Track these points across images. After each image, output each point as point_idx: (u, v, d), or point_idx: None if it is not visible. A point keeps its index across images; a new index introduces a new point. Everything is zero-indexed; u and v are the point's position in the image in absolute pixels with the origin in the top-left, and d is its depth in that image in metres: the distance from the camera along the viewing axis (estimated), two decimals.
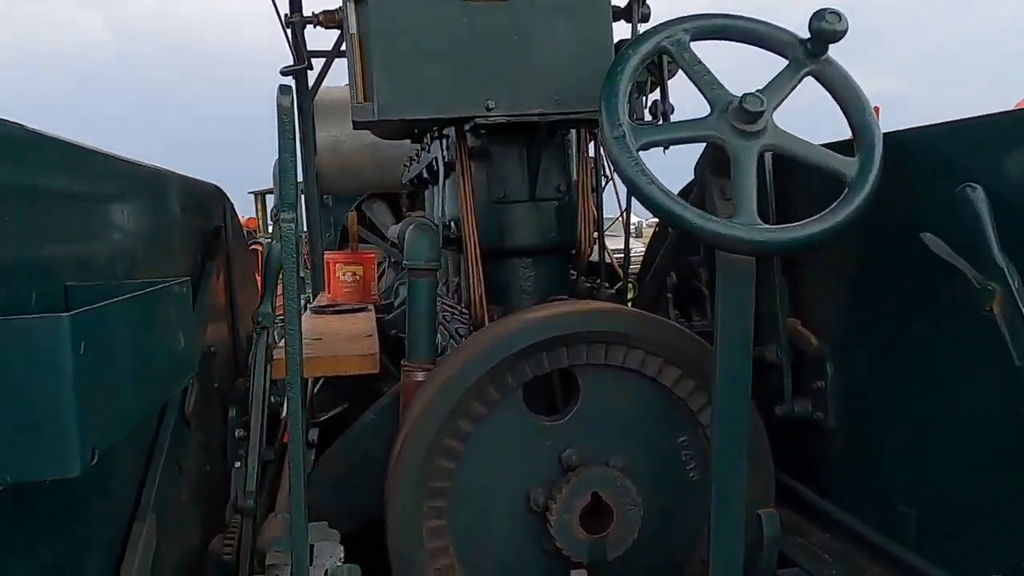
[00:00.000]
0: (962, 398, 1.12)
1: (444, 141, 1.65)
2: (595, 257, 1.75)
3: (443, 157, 1.67)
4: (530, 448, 1.34)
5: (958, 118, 1.11)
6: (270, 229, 18.57)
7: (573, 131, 1.61)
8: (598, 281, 1.73)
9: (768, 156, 1.32)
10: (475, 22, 1.37)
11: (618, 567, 1.32)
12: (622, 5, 1.59)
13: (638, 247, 2.90)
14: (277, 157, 1.00)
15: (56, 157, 0.90)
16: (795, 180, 1.39)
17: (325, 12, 1.72)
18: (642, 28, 1.58)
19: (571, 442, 1.34)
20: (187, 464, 1.32)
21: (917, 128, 1.24)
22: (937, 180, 1.12)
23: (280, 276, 1.38)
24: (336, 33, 3.14)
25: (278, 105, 0.95)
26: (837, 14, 1.18)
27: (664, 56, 1.27)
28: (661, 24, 1.24)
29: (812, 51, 1.21)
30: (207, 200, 1.85)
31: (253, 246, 14.53)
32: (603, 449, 1.35)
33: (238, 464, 1.38)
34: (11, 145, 0.77)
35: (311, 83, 3.57)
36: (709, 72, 1.20)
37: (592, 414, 1.37)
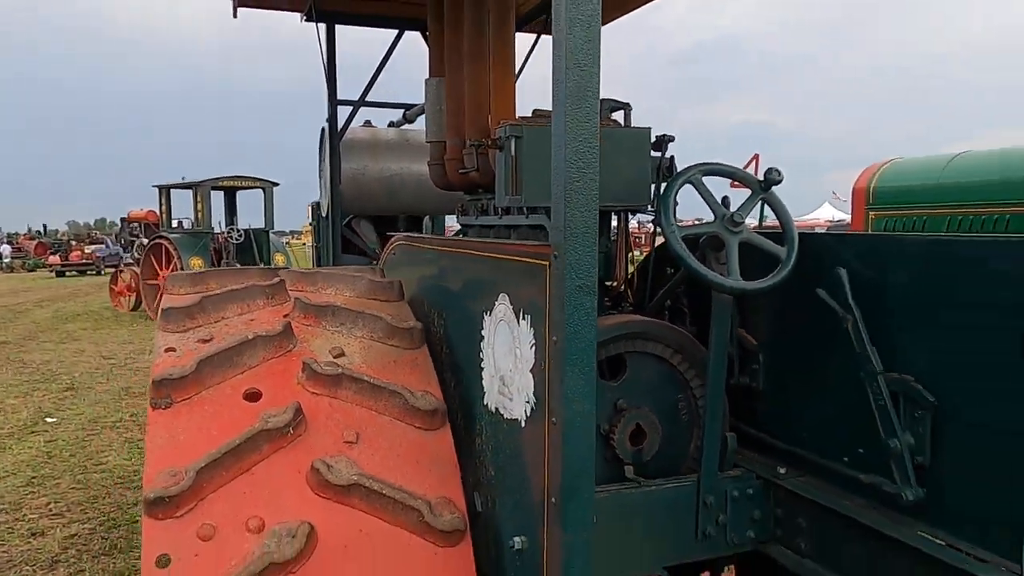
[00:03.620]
0: (829, 370, 2.21)
1: None
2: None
3: None
4: (601, 396, 2.33)
5: (836, 232, 2.21)
6: (174, 223, 18.34)
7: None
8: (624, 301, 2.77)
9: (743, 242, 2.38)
10: None
11: (650, 465, 2.34)
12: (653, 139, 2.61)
13: None
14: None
15: None
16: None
17: None
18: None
19: (621, 395, 2.35)
20: None
21: (813, 234, 2.34)
22: (823, 261, 2.21)
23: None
24: (361, 86, 4.21)
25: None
26: (778, 171, 2.25)
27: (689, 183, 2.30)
28: (686, 168, 2.27)
29: (765, 188, 2.27)
30: None
31: (157, 240, 14.52)
32: (639, 400, 2.36)
33: None
34: None
35: (340, 125, 4.44)
36: (712, 195, 2.24)
37: (633, 380, 2.37)
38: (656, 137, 2.48)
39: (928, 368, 1.88)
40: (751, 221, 2.28)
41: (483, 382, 1.65)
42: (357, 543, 1.45)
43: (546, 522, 1.36)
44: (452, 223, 4.43)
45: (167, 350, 1.66)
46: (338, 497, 1.47)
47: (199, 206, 16.95)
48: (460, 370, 1.80)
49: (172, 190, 17.81)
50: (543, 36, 4.53)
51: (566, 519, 1.29)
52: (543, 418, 1.35)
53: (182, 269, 15.87)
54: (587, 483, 1.29)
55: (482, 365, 1.66)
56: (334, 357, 1.71)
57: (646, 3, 3.96)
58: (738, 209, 2.20)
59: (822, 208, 36.08)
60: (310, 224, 7.33)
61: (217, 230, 17.27)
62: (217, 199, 17.66)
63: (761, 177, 2.28)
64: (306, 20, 4.26)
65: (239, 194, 18.36)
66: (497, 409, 1.58)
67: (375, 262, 4.03)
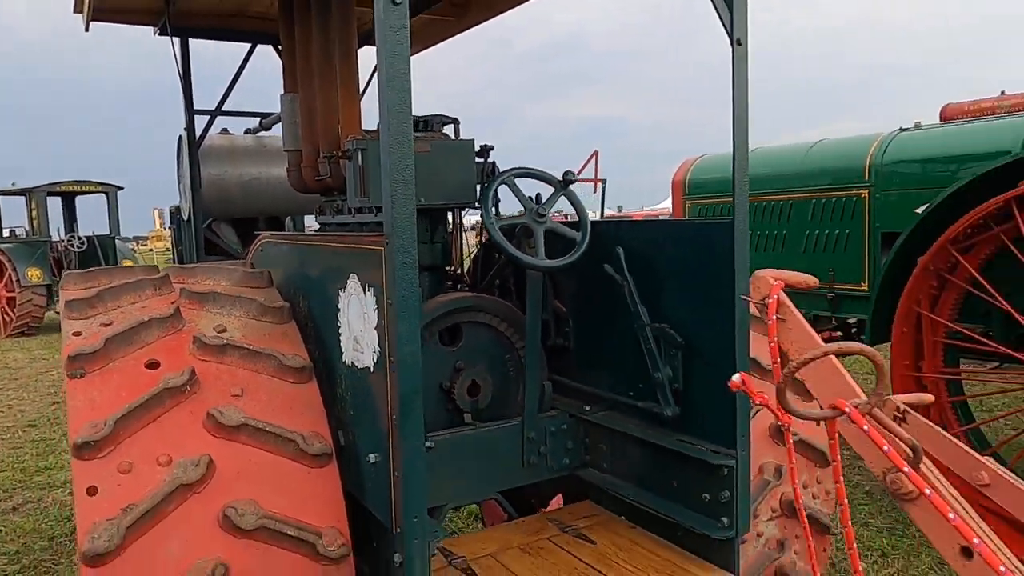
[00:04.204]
0: (616, 326, 2.84)
1: None
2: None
3: None
4: (443, 360, 2.86)
5: (626, 219, 2.85)
6: (6, 232, 17.13)
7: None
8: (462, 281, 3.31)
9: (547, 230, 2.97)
10: (419, 158, 2.85)
11: (484, 412, 2.88)
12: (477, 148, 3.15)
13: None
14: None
15: None
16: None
17: None
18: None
19: (459, 358, 2.88)
20: None
21: (599, 221, 2.97)
22: (608, 242, 2.83)
23: None
24: (218, 98, 4.57)
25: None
26: (573, 173, 2.86)
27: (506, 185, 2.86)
28: (502, 172, 2.82)
29: (563, 186, 2.87)
30: None
31: None
32: (474, 360, 2.90)
33: None
34: None
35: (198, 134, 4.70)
36: (522, 193, 2.81)
37: (468, 345, 2.91)
38: (480, 146, 3.02)
39: (677, 318, 2.54)
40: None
41: (341, 344, 2.12)
42: (247, 469, 1.88)
43: (391, 437, 1.85)
44: (312, 222, 4.82)
45: (75, 334, 2.00)
46: (230, 436, 1.89)
47: (34, 213, 15.98)
48: (322, 337, 2.26)
49: (2, 197, 16.66)
50: None
51: (404, 430, 1.78)
52: (385, 361, 1.84)
53: (19, 281, 14.96)
54: (417, 402, 1.79)
55: (339, 331, 2.12)
56: (218, 332, 2.12)
57: (486, 20, 4.49)
58: (543, 204, 2.78)
59: (669, 200, 38.47)
60: (168, 228, 7.40)
61: (56, 238, 16.33)
62: (55, 205, 16.69)
63: (571, 176, 2.88)
64: (160, 34, 4.48)
65: (79, 200, 17.41)
66: (353, 363, 2.05)
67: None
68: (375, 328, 1.88)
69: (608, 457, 2.88)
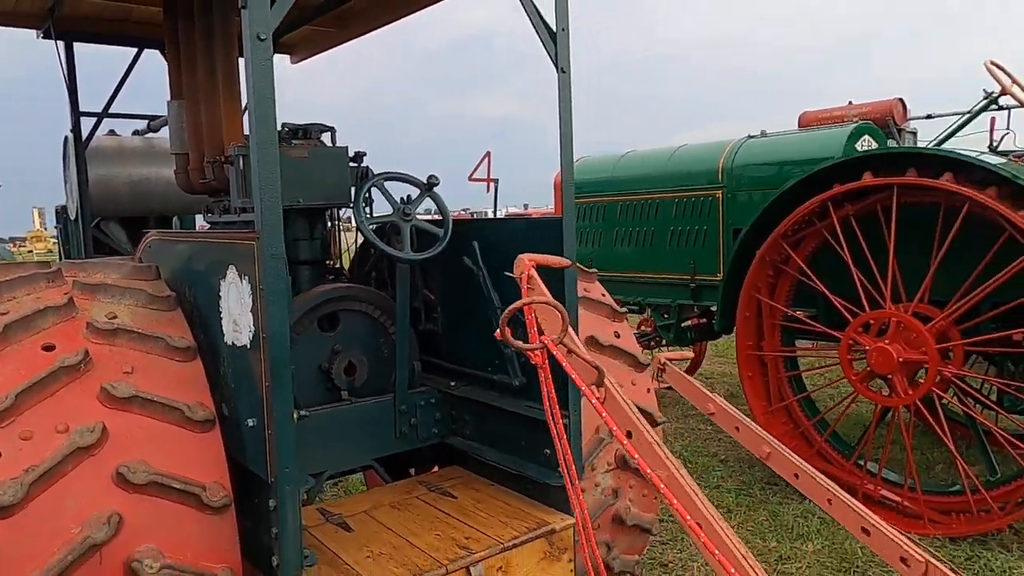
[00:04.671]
0: (475, 311, 3.25)
1: None
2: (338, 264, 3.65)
3: None
4: (322, 344, 3.19)
5: (482, 217, 3.26)
6: None
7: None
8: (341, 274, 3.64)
9: (413, 227, 3.35)
10: (297, 163, 3.17)
11: (361, 389, 3.24)
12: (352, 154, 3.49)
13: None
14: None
15: None
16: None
17: None
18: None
19: (337, 341, 3.22)
20: None
21: (460, 220, 3.38)
22: (467, 237, 3.24)
23: None
24: (105, 98, 4.71)
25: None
26: (436, 176, 3.25)
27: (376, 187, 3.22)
28: (373, 176, 3.18)
29: (428, 188, 3.26)
30: None
31: None
32: (350, 343, 3.25)
33: None
34: None
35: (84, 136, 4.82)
36: (389, 194, 3.17)
37: (345, 330, 3.25)
38: (354, 152, 3.36)
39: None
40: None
41: (222, 327, 2.42)
42: (138, 434, 2.16)
43: (265, 403, 2.18)
44: (202, 221, 5.01)
45: None
46: (122, 407, 2.17)
47: None
48: (206, 322, 2.55)
49: None
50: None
51: (275, 396, 2.12)
52: (259, 338, 2.17)
53: None
54: (286, 371, 2.13)
55: (221, 315, 2.43)
56: (110, 319, 2.39)
57: (368, 32, 4.79)
58: (409, 204, 3.16)
59: None
60: (55, 228, 7.35)
61: None
62: None
63: (437, 178, 3.27)
64: (43, 37, 4.57)
65: None
66: (233, 342, 2.37)
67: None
68: (250, 311, 2.21)
69: (471, 425, 3.29)
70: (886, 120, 7.55)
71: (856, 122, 5.95)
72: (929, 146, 6.05)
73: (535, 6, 2.72)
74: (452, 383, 3.34)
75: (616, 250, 7.11)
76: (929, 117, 7.09)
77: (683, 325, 6.88)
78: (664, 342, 7.13)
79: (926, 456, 5.75)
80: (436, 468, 3.86)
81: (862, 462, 5.11)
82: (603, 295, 3.52)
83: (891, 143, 6.11)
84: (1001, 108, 5.87)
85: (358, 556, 2.55)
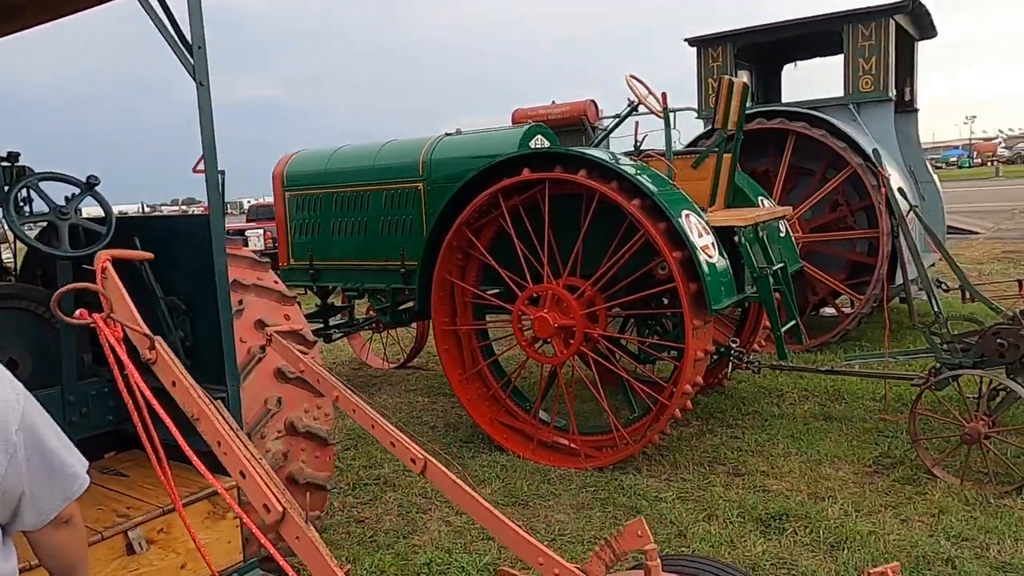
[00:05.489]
0: (147, 301, 3.49)
1: None
2: None
3: None
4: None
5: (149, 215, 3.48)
6: None
7: None
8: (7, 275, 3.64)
9: (71, 226, 3.49)
10: None
11: (29, 383, 3.32)
12: None
13: None
14: None
15: None
16: None
17: None
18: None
19: None
20: None
21: (122, 217, 3.58)
22: (127, 234, 3.45)
23: None
24: None
25: None
26: (96, 176, 3.41)
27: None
28: (28, 176, 3.27)
29: (88, 187, 3.41)
30: None
31: None
32: (13, 340, 3.32)
33: None
34: None
35: None
36: (44, 193, 3.29)
37: (6, 328, 3.31)
38: (7, 152, 3.42)
39: (183, 290, 3.28)
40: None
41: None
42: None
43: None
44: None
45: None
46: None
47: None
48: None
49: None
50: None
51: None
52: None
53: None
54: None
55: None
56: None
57: (30, 28, 4.68)
58: (66, 204, 3.30)
59: None
60: None
61: None
62: None
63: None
64: None
65: None
66: None
67: None
68: None
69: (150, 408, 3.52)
70: (580, 118, 8.71)
71: (530, 124, 6.84)
72: (591, 146, 7.15)
73: (176, 23, 3.01)
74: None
75: (334, 240, 7.48)
76: (616, 117, 8.20)
77: (399, 308, 7.45)
78: (383, 325, 7.67)
79: (589, 405, 6.83)
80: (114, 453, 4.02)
81: (543, 415, 6.01)
82: (275, 282, 3.91)
83: (584, 139, 7.13)
84: (642, 114, 7.07)
85: None
